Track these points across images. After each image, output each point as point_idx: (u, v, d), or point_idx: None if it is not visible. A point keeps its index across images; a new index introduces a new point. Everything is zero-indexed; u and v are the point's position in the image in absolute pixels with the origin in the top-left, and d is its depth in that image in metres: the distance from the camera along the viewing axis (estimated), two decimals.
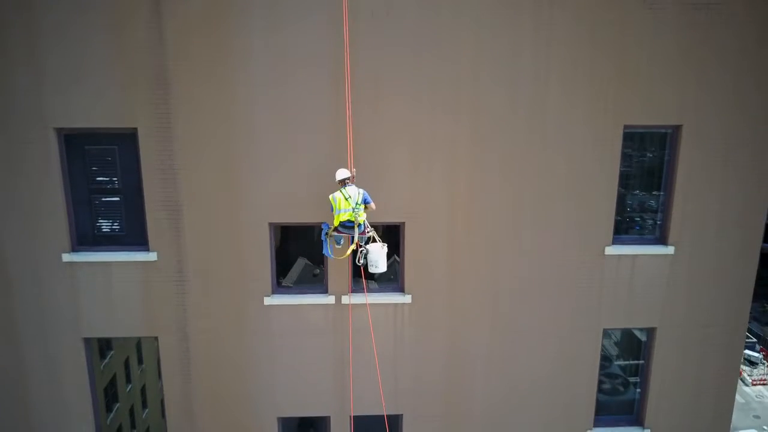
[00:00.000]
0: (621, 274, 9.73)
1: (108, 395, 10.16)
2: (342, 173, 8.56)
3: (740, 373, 54.70)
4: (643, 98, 9.03)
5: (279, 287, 9.69)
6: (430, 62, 8.74)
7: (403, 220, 9.40)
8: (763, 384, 57.38)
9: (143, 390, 10.43)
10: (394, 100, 8.86)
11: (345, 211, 8.41)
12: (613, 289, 9.80)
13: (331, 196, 8.52)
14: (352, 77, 8.57)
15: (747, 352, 60.11)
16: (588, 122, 9.09)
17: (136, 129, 8.82)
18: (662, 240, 9.72)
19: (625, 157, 9.41)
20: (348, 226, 8.52)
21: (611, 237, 9.59)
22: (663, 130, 9.37)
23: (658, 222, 9.76)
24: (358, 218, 8.40)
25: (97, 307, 9.46)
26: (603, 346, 10.32)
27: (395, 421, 10.33)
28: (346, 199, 8.39)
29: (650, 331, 10.18)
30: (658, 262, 9.70)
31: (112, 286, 9.39)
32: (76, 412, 9.83)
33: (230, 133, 8.88)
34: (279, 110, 8.84)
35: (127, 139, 8.96)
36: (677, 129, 9.24)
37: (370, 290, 9.66)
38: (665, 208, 9.63)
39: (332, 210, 8.54)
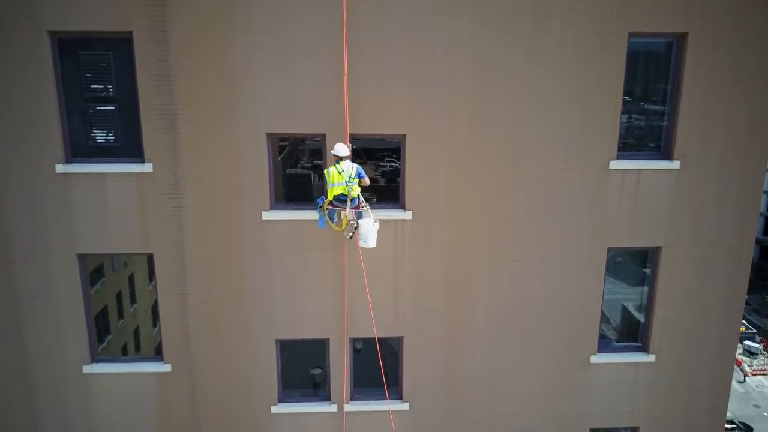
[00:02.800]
0: (626, 190, 9.56)
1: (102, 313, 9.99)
2: (341, 150, 8.56)
3: (740, 363, 54.80)
4: (649, 4, 8.85)
5: (277, 201, 9.49)
6: None
7: (404, 132, 9.21)
8: (763, 374, 57.43)
9: (136, 308, 10.24)
10: (394, 6, 8.68)
11: (338, 185, 8.55)
12: (617, 206, 9.62)
13: (325, 171, 8.67)
14: None
15: (747, 342, 60.19)
16: (592, 29, 8.92)
17: (131, 33, 8.63)
18: (667, 154, 9.54)
19: (630, 67, 9.22)
20: (342, 199, 8.65)
21: (616, 151, 9.42)
22: (668, 39, 9.19)
23: (664, 135, 9.57)
24: (352, 192, 8.54)
25: (91, 222, 9.26)
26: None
27: (396, 343, 10.16)
28: (340, 173, 8.53)
29: (655, 251, 9.99)
30: (663, 177, 9.52)
31: (107, 199, 9.19)
32: (70, 329, 9.63)
33: (228, 38, 8.69)
34: (278, 17, 8.65)
35: (122, 45, 8.77)
36: (683, 37, 9.07)
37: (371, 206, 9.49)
38: (670, 120, 9.45)
39: (326, 184, 8.65)
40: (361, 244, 8.84)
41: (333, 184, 8.60)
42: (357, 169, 8.64)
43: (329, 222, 8.98)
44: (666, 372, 10.38)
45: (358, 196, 8.74)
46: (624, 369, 10.35)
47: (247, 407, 10.17)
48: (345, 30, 8.55)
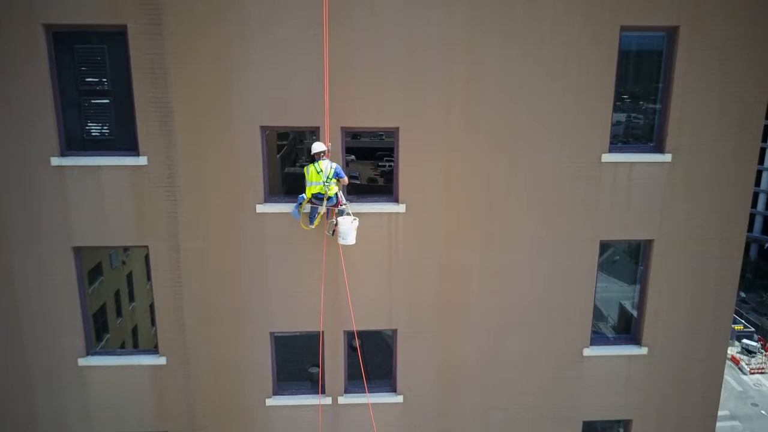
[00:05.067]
0: (618, 182, 9.61)
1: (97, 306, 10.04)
2: (317, 147, 8.69)
3: (738, 362, 54.88)
4: None
5: (272, 195, 9.54)
6: None
7: (397, 125, 9.26)
8: (761, 373, 57.62)
9: (133, 300, 10.28)
10: None
11: (316, 184, 8.67)
12: (610, 198, 9.68)
13: (305, 168, 8.80)
14: None
15: (745, 341, 60.36)
16: (585, 23, 8.97)
17: (125, 26, 8.68)
18: (659, 147, 9.60)
19: (622, 61, 9.27)
20: (320, 197, 8.76)
21: (608, 144, 9.47)
22: (660, 33, 9.25)
23: (656, 129, 9.63)
24: (329, 191, 8.65)
25: (86, 214, 9.30)
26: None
27: (390, 335, 10.21)
28: (318, 173, 8.63)
29: (647, 244, 10.05)
30: (656, 170, 9.57)
31: (103, 192, 9.24)
32: (66, 322, 9.67)
33: (222, 31, 8.74)
34: (272, 10, 8.70)
35: (117, 38, 8.82)
36: (674, 30, 9.12)
37: (364, 200, 9.57)
38: (662, 114, 9.50)
39: (305, 181, 8.80)
40: (341, 241, 9.04)
41: (311, 182, 8.74)
42: (335, 168, 8.75)
43: (301, 222, 9.11)
44: (659, 364, 10.44)
45: (337, 194, 8.88)
46: (617, 361, 10.41)
47: (241, 400, 10.22)
48: (325, 22, 8.60)
